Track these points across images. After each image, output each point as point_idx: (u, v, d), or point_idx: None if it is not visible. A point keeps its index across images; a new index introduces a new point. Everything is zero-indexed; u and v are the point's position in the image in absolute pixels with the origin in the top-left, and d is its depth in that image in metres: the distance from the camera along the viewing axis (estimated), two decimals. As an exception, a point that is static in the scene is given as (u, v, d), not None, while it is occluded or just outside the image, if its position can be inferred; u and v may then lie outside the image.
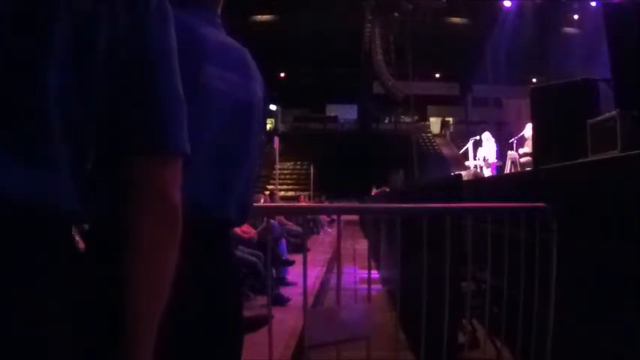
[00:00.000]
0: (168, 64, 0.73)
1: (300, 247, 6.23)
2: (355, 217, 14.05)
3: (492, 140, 9.97)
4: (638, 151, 2.11)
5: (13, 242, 0.55)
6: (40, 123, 0.59)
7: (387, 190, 11.75)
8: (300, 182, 25.98)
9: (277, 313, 3.93)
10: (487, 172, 9.40)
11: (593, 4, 21.10)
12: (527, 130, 8.26)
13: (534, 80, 22.44)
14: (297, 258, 6.23)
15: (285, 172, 26.97)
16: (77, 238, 0.67)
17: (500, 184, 4.55)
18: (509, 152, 8.56)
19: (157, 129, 0.70)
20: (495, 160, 9.72)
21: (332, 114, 35.48)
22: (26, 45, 0.58)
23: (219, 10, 1.14)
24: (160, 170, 0.70)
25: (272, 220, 6.61)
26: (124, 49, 0.67)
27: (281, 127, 32.75)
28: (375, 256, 6.44)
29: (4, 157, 0.55)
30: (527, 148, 7.77)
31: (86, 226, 0.74)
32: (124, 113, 0.68)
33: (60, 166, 0.60)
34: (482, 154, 9.90)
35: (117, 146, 0.69)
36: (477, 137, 10.34)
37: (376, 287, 5.50)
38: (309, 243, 8.55)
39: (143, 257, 0.69)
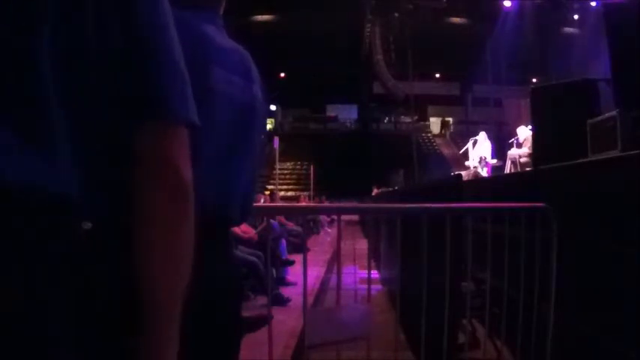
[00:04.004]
0: (162, 35, 0.69)
1: (300, 247, 6.23)
2: (355, 217, 14.07)
3: (488, 140, 9.98)
4: (638, 151, 2.11)
5: (11, 231, 0.53)
6: (34, 101, 0.56)
7: (382, 190, 11.76)
8: (300, 182, 25.97)
9: (277, 313, 3.93)
10: (483, 172, 9.41)
11: (593, 4, 21.07)
12: (522, 134, 8.31)
13: (534, 80, 22.43)
14: (297, 258, 6.23)
15: (285, 172, 26.95)
16: (78, 226, 0.63)
17: (500, 184, 4.55)
18: (509, 152, 8.56)
19: (156, 94, 0.66)
20: (493, 161, 9.72)
21: (332, 114, 35.45)
22: (15, 16, 0.55)
23: (221, 11, 1.13)
24: (164, 139, 0.66)
25: (272, 220, 6.61)
26: (113, 22, 0.64)
27: (281, 127, 32.73)
28: (375, 256, 6.44)
29: None
30: (527, 149, 7.78)
31: (87, 224, 0.71)
32: (122, 84, 0.65)
33: (58, 148, 0.57)
34: (477, 154, 9.90)
35: (117, 118, 0.64)
36: (477, 137, 10.34)
37: (376, 287, 5.50)
38: (309, 243, 8.54)
39: (154, 237, 0.64)
